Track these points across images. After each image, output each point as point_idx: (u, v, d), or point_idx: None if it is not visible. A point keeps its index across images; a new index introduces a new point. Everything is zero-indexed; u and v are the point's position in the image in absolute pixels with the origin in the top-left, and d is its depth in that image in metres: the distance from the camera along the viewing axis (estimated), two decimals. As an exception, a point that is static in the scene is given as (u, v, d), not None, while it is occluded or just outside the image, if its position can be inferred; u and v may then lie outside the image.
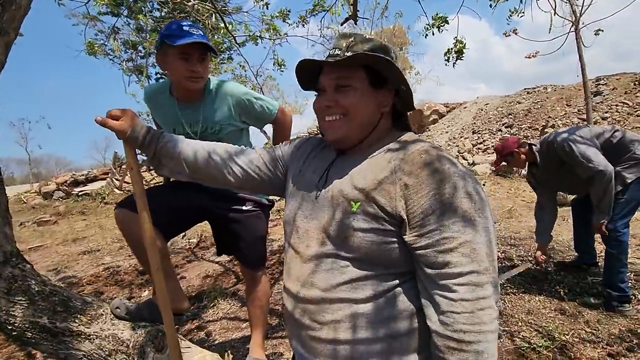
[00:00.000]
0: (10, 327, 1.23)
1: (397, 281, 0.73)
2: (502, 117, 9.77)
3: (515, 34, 5.24)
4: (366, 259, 0.72)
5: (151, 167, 1.05)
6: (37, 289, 1.28)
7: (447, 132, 10.73)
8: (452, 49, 3.67)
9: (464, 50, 3.66)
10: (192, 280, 3.89)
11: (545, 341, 2.07)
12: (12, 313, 1.22)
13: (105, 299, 3.61)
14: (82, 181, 12.74)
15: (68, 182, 12.64)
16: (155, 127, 1.27)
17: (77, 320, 1.32)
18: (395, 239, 0.70)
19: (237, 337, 2.60)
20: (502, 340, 2.15)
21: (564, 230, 3.79)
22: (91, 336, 1.32)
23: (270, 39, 4.86)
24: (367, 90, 0.78)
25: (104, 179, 12.63)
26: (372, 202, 0.71)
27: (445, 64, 3.68)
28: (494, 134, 9.19)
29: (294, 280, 0.80)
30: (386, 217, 0.70)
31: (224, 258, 4.52)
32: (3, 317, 1.22)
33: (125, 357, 1.36)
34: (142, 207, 1.00)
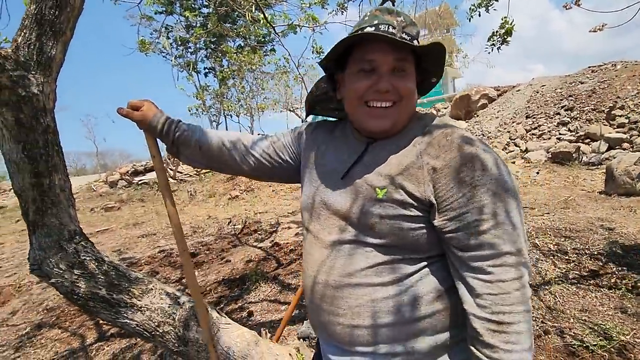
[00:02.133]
0: (75, 297, 1.40)
1: (423, 263, 0.72)
2: (562, 99, 8.92)
3: (578, 5, 4.71)
4: (392, 245, 0.70)
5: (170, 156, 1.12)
6: (96, 264, 1.44)
7: (497, 118, 10.05)
8: (497, 31, 3.39)
9: (512, 31, 3.35)
10: (236, 264, 4.10)
11: (600, 340, 1.91)
12: (77, 284, 1.39)
13: (160, 278, 3.94)
14: (141, 171, 13.87)
15: (129, 172, 13.82)
16: None
17: (130, 293, 1.46)
18: (423, 224, 0.69)
19: (276, 319, 2.71)
20: (550, 336, 2.02)
21: (630, 223, 3.42)
22: (142, 308, 1.46)
23: (309, 27, 4.86)
24: (414, 77, 0.75)
25: (160, 169, 13.57)
26: (400, 188, 0.69)
27: (488, 52, 3.42)
28: (551, 118, 8.43)
29: (313, 265, 0.79)
30: (414, 203, 0.68)
31: (267, 244, 4.69)
32: (69, 288, 1.38)
33: (171, 328, 1.48)
34: (165, 193, 1.07)
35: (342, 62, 0.79)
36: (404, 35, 0.71)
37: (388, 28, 0.71)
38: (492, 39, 3.63)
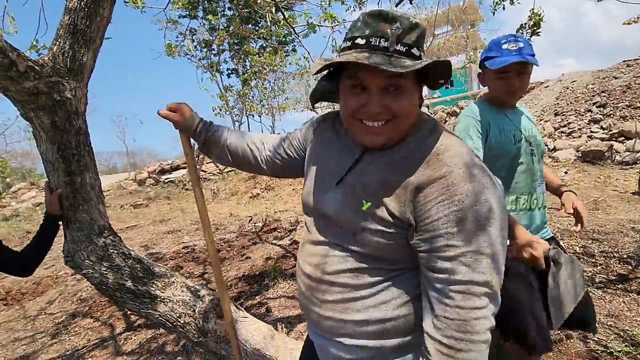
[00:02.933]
0: (104, 288, 1.50)
1: (396, 273, 0.75)
2: (594, 96, 8.48)
3: (611, -4, 4.50)
4: (370, 254, 0.73)
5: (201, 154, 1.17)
6: (123, 257, 1.53)
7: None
8: (525, 24, 3.28)
9: (541, 23, 3.24)
10: (256, 261, 4.19)
11: (626, 346, 1.84)
12: (106, 276, 1.49)
13: (184, 273, 4.10)
14: (167, 170, 14.36)
15: (156, 170, 14.34)
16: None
17: (154, 286, 1.55)
18: (401, 241, 0.70)
19: (294, 315, 2.77)
20: (572, 341, 1.96)
21: (666, 225, 3.24)
22: (165, 300, 1.54)
23: (329, 26, 4.88)
24: (414, 89, 0.71)
25: (185, 167, 14.06)
26: (382, 205, 0.70)
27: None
28: (582, 115, 8.04)
29: (305, 258, 0.85)
30: (394, 222, 0.69)
31: (286, 242, 4.77)
32: (99, 279, 1.48)
33: (192, 320, 1.56)
34: (196, 186, 1.15)
35: (334, 74, 0.78)
36: (398, 48, 0.65)
37: (379, 41, 0.65)
38: (520, 32, 3.52)
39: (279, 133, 1.15)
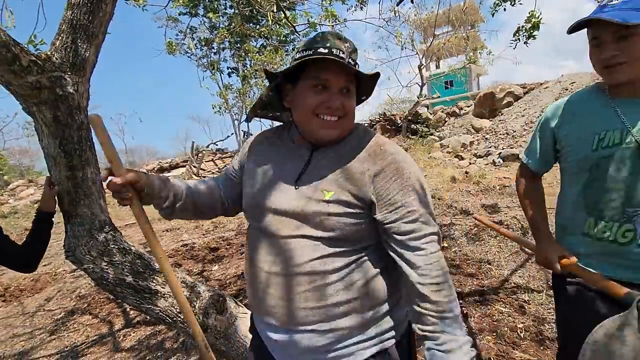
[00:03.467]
0: (104, 282, 1.50)
1: (358, 255, 0.85)
2: (594, 97, 8.52)
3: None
4: (337, 237, 0.82)
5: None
6: (123, 253, 1.53)
7: (523, 116, 9.73)
8: (522, 26, 3.29)
9: (540, 25, 3.26)
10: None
11: None
12: (106, 270, 1.49)
13: (183, 270, 4.10)
14: (166, 168, 14.36)
15: (155, 168, 14.33)
16: None
17: (154, 281, 1.55)
18: (363, 220, 0.83)
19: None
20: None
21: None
22: (165, 295, 1.55)
23: (329, 25, 4.89)
24: (355, 95, 0.89)
25: (184, 165, 14.06)
26: (345, 190, 0.82)
27: (513, 47, 3.32)
28: (582, 116, 8.07)
29: (267, 258, 0.86)
30: (358, 203, 0.82)
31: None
32: (99, 274, 1.49)
33: (192, 315, 1.56)
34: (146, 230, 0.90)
35: (292, 76, 0.87)
36: (350, 61, 0.83)
37: (339, 52, 0.81)
38: (517, 34, 3.53)
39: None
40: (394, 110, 16.76)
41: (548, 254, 1.13)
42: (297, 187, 0.86)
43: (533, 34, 3.40)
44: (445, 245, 3.79)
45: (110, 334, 2.91)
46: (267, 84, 0.93)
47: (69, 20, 1.32)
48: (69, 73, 1.32)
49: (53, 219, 1.51)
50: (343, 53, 0.82)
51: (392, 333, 0.88)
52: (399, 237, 0.82)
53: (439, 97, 17.42)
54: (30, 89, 1.24)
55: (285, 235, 0.84)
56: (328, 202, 0.81)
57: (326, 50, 0.81)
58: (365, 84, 0.90)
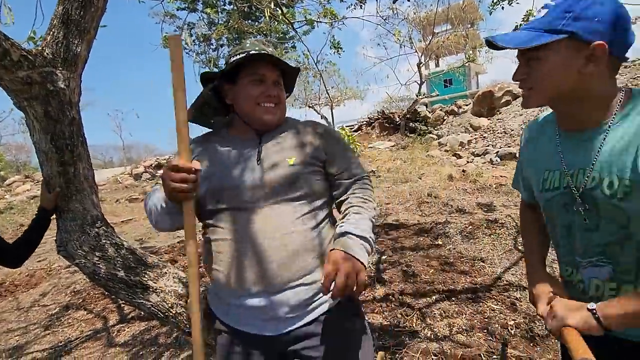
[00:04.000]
0: (97, 277, 1.51)
1: (326, 211, 1.06)
2: (591, 96, 8.52)
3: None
4: (307, 194, 1.00)
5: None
6: (115, 248, 1.54)
7: (521, 115, 9.74)
8: (520, 24, 3.30)
9: None
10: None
11: None
12: (98, 265, 1.49)
13: (179, 266, 4.10)
14: (164, 164, 14.33)
15: (153, 165, 14.30)
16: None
17: (146, 276, 1.56)
18: (321, 175, 1.06)
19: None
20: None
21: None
22: (157, 290, 1.56)
23: (328, 23, 4.88)
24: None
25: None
26: (303, 154, 1.03)
27: None
28: (579, 116, 8.08)
29: (250, 230, 0.96)
30: (315, 162, 1.04)
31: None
32: (91, 269, 1.49)
33: (183, 310, 1.57)
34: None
35: (231, 76, 1.04)
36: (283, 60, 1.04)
37: (269, 52, 1.03)
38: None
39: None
40: (393, 109, 16.76)
41: (534, 295, 0.90)
42: (259, 163, 1.01)
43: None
44: (440, 243, 3.81)
45: (104, 329, 2.93)
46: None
47: (61, 15, 1.32)
48: (60, 68, 1.32)
49: (51, 217, 1.52)
50: (272, 54, 1.02)
51: None
52: (347, 182, 1.07)
53: (437, 95, 17.42)
54: (21, 84, 1.24)
55: (265, 204, 0.96)
56: (293, 165, 1.00)
57: (258, 51, 1.01)
58: (289, 82, 1.16)
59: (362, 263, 0.88)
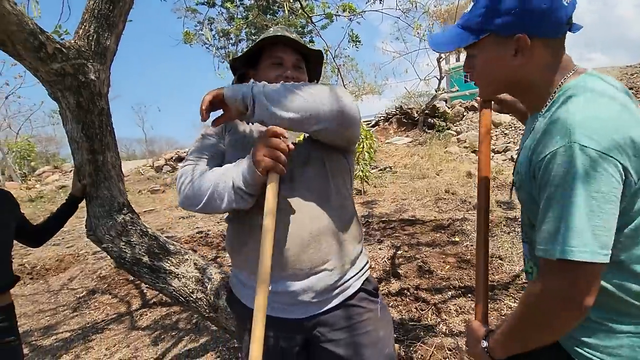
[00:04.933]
0: (123, 261, 1.58)
1: (345, 192, 1.03)
2: (622, 92, 8.15)
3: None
4: (322, 174, 0.97)
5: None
6: (140, 234, 1.61)
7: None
8: None
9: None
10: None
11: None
12: (124, 250, 1.57)
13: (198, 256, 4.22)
14: (184, 157, 14.64)
15: (173, 158, 14.66)
16: None
17: (168, 262, 1.62)
18: (338, 152, 1.02)
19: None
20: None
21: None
22: (179, 275, 1.62)
23: (346, 16, 4.85)
24: (306, 72, 1.10)
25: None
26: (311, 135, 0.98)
27: None
28: (608, 112, 7.74)
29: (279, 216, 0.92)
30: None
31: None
32: (118, 253, 1.57)
33: (203, 296, 1.63)
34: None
35: (253, 62, 1.07)
36: (301, 42, 1.02)
37: (292, 35, 1.02)
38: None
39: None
40: (411, 104, 16.51)
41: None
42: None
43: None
44: (457, 239, 3.77)
45: (128, 313, 3.06)
46: None
47: (91, 9, 1.38)
48: (91, 61, 1.39)
49: (78, 205, 1.61)
50: (292, 38, 1.02)
51: (368, 264, 1.10)
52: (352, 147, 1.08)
53: (457, 91, 17.04)
54: (55, 75, 1.31)
55: (283, 188, 0.92)
56: (301, 143, 1.00)
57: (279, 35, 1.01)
58: (315, 69, 1.14)
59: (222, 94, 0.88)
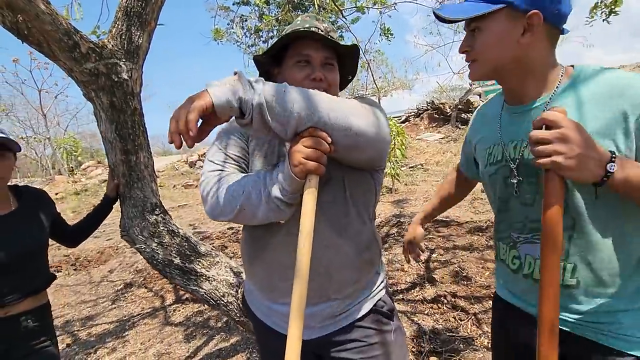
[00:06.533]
0: (154, 262, 1.57)
1: (365, 217, 0.93)
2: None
3: None
4: (340, 197, 0.88)
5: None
6: (172, 235, 1.59)
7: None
8: (601, 1, 2.87)
9: (621, 1, 2.82)
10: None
11: None
12: (156, 251, 1.55)
13: (228, 253, 4.27)
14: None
15: (206, 154, 15.09)
16: None
17: (199, 264, 1.59)
18: (361, 173, 0.92)
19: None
20: None
21: None
22: (210, 278, 1.59)
23: (378, 9, 4.69)
24: (338, 70, 0.94)
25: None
26: None
27: (589, 24, 2.91)
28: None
29: (284, 235, 0.87)
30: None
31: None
32: (150, 254, 1.56)
33: (234, 299, 1.59)
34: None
35: (278, 58, 0.93)
36: (328, 37, 0.87)
37: (317, 30, 0.87)
38: (594, 10, 3.10)
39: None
40: (444, 99, 15.93)
41: (405, 236, 1.26)
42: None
43: (615, 9, 2.95)
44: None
45: (162, 307, 3.12)
46: None
47: (124, 7, 1.36)
48: (124, 60, 1.37)
49: (113, 205, 1.62)
50: (321, 31, 0.87)
51: (383, 284, 1.01)
52: None
53: (493, 84, 16.22)
54: (89, 75, 1.29)
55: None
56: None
57: (302, 28, 0.88)
58: (349, 63, 0.98)
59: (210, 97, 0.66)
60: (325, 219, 0.85)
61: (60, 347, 2.64)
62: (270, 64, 0.96)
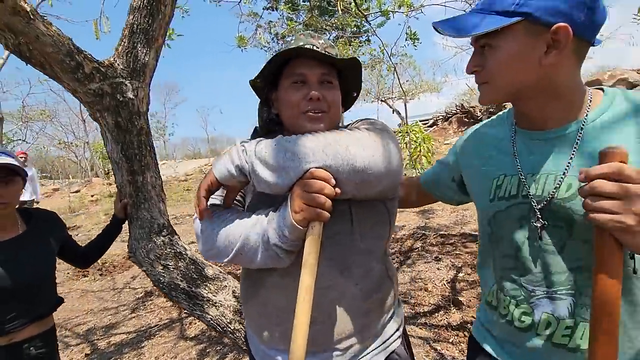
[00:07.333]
0: (161, 285, 1.51)
1: (376, 255, 0.84)
2: None
3: None
4: (346, 230, 0.80)
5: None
6: (179, 257, 1.53)
7: None
8: None
9: None
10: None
11: None
12: (162, 274, 1.50)
13: (236, 272, 4.23)
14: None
15: (231, 158, 15.37)
16: None
17: (206, 288, 1.52)
18: (374, 205, 0.84)
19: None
20: None
21: None
22: (217, 304, 1.51)
23: (405, 12, 4.54)
24: (339, 88, 0.86)
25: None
26: None
27: (638, 22, 2.62)
28: None
29: (281, 277, 0.80)
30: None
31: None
32: (156, 277, 1.50)
33: (242, 327, 1.51)
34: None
35: (274, 81, 0.86)
36: (325, 53, 0.80)
37: (312, 47, 0.79)
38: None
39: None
40: (473, 102, 15.35)
41: None
42: None
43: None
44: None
45: (178, 319, 3.11)
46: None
47: (130, 24, 1.32)
48: (129, 79, 1.32)
49: (122, 225, 1.59)
50: (317, 47, 0.81)
51: (398, 333, 0.89)
52: None
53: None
54: (93, 96, 1.26)
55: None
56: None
57: (295, 46, 0.81)
58: (352, 79, 0.89)
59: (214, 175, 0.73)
60: (327, 256, 0.76)
61: (79, 357, 2.67)
62: (269, 89, 0.89)
